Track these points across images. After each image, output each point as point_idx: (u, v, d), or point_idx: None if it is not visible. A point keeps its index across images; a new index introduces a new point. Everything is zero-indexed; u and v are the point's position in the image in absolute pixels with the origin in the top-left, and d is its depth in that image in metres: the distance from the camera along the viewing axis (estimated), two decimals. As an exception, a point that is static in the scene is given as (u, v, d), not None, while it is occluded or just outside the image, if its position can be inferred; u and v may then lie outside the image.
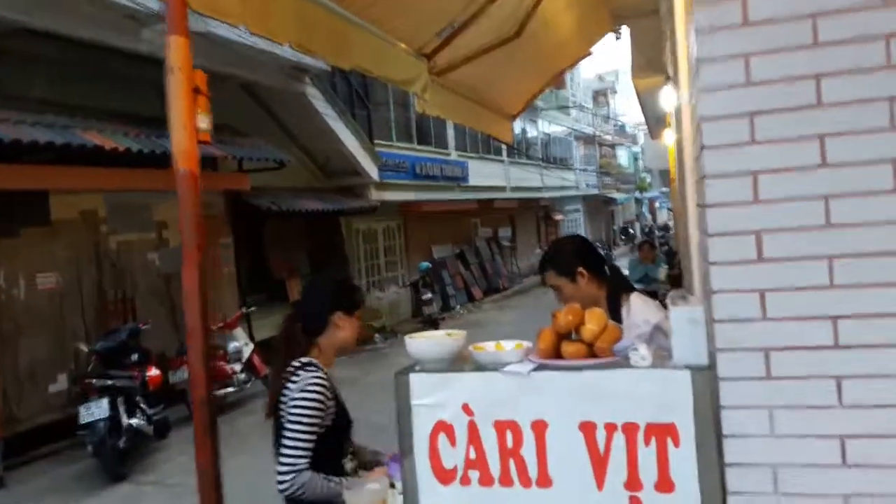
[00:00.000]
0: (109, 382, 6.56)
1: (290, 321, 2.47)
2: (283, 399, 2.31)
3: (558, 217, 29.28)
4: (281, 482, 2.23)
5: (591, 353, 1.78)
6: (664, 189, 47.98)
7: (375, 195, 13.68)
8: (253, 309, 10.03)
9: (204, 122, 2.06)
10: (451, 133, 18.06)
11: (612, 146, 44.55)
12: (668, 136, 10.58)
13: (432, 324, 13.80)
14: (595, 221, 37.54)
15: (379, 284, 15.37)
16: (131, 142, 7.54)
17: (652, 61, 10.29)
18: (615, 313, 2.56)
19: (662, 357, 1.76)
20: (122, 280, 8.73)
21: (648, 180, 49.99)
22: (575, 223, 33.12)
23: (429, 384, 1.88)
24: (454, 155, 18.16)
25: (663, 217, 56.32)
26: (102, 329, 7.95)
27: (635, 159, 51.77)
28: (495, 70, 4.84)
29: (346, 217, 13.48)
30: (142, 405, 6.79)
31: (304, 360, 2.35)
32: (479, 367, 1.88)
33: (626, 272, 10.36)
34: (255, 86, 10.84)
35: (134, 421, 6.53)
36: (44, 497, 5.99)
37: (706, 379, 1.66)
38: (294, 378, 2.30)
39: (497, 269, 20.75)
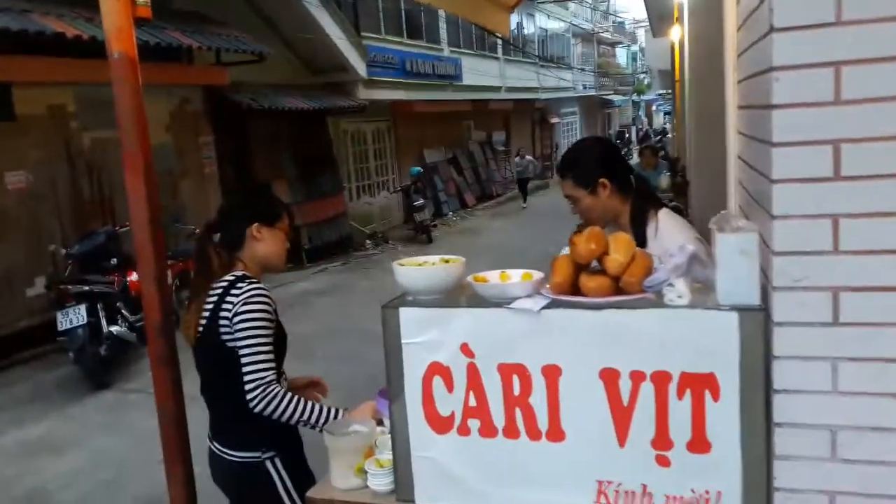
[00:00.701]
0: (87, 288, 6.29)
1: (204, 237, 2.23)
2: (222, 320, 2.06)
3: (554, 120, 28.48)
4: (252, 399, 2.01)
5: (617, 287, 1.48)
6: (661, 91, 46.73)
7: (364, 93, 13.03)
8: (237, 212, 9.68)
9: (143, -7, 1.65)
10: (443, 27, 17.10)
11: (611, 45, 42.92)
12: (675, 33, 9.97)
13: (424, 230, 13.54)
14: (591, 125, 36.69)
15: (369, 189, 14.96)
16: (97, 29, 6.91)
17: (662, -51, 9.54)
18: (640, 232, 2.26)
19: (702, 294, 1.46)
20: (99, 179, 8.31)
21: (647, 82, 48.57)
22: (571, 127, 32.34)
23: (422, 320, 1.59)
24: (447, 51, 17.29)
25: (659, 120, 55.23)
26: (81, 230, 7.61)
27: (634, 59, 50.10)
28: (492, -49, 4.49)
29: (333, 117, 12.89)
30: (123, 311, 6.56)
31: (237, 273, 2.14)
32: (481, 302, 1.58)
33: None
34: (232, -30, 10.02)
35: (115, 328, 6.31)
36: (26, 404, 5.86)
37: (757, 322, 1.38)
38: (233, 291, 2.08)
39: (490, 175, 20.30)
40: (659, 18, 14.88)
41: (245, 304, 2.03)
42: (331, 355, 6.48)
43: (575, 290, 1.51)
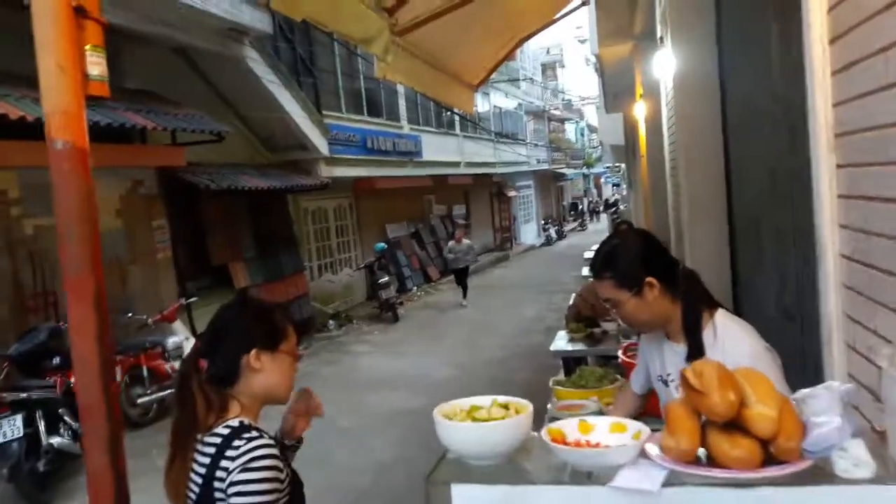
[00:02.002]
0: (24, 395, 5.58)
1: (187, 372, 1.70)
2: (217, 491, 1.56)
3: (511, 193, 28.70)
4: None
5: (767, 453, 1.08)
6: (609, 164, 48.14)
7: (325, 171, 12.73)
8: (194, 299, 9.06)
9: (97, 66, 1.25)
10: (402, 104, 17.13)
11: (561, 121, 44.18)
12: (638, 109, 9.99)
13: (390, 308, 13.04)
14: (545, 198, 37.24)
15: (331, 267, 14.48)
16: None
17: (622, 28, 9.66)
18: (695, 339, 1.91)
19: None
20: (42, 270, 7.66)
21: (595, 156, 50.07)
22: (527, 200, 32.67)
23: (486, 501, 1.15)
24: (407, 128, 17.27)
25: (608, 192, 56.69)
26: (20, 327, 6.91)
27: (582, 134, 51.76)
28: (459, 34, 4.42)
29: (293, 195, 12.51)
30: (66, 418, 5.84)
31: (232, 423, 1.62)
32: (566, 474, 1.16)
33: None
34: (188, 50, 9.74)
35: (56, 440, 5.57)
36: (-54, 532, 5.06)
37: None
38: (228, 453, 1.56)
39: (452, 248, 20.08)
40: (613, 96, 15.19)
41: (243, 470, 1.52)
42: (297, 458, 5.86)
43: (706, 457, 1.10)
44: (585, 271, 8.95)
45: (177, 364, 7.88)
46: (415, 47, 3.99)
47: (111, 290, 8.94)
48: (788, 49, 2.76)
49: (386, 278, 13.21)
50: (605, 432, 1.21)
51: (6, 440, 5.28)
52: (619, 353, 3.52)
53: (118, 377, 7.24)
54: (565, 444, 1.19)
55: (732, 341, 1.83)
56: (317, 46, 13.33)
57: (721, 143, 4.72)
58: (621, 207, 29.83)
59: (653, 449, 1.15)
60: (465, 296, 14.69)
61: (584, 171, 51.37)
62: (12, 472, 5.31)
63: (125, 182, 8.88)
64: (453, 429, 1.21)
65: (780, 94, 3.24)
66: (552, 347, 4.49)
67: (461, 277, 15.02)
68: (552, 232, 30.45)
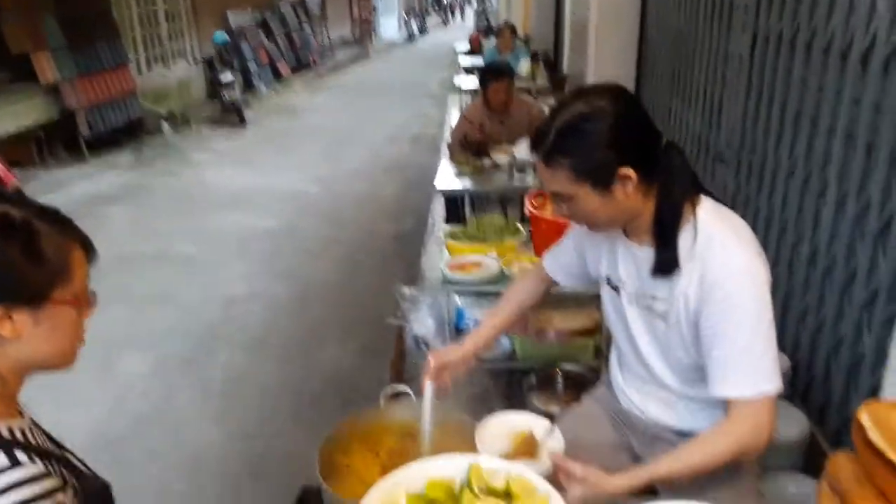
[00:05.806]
0: None
1: None
2: None
3: (372, -20, 26.02)
4: None
5: None
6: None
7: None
8: (-17, 97, 7.31)
9: None
10: None
11: None
12: None
13: (235, 110, 11.60)
14: (408, -13, 34.39)
15: (162, 59, 12.45)
16: None
17: None
18: (667, 246, 1.35)
19: None
20: None
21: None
22: (388, -12, 29.94)
23: None
24: None
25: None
26: None
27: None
28: None
29: (107, -33, 10.20)
30: None
31: None
32: None
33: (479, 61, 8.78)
34: None
35: None
36: None
37: None
38: None
39: (306, 42, 18.04)
40: None
41: None
42: (136, 295, 5.06)
43: None
44: (462, 81, 8.06)
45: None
46: None
47: None
48: None
49: (230, 77, 11.58)
50: None
51: None
52: (527, 201, 2.93)
53: None
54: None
55: (717, 254, 1.30)
56: None
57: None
58: (489, 4, 28.25)
59: None
60: None
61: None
62: None
63: None
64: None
65: None
66: (437, 185, 3.81)
67: None
68: (414, 26, 28.53)
